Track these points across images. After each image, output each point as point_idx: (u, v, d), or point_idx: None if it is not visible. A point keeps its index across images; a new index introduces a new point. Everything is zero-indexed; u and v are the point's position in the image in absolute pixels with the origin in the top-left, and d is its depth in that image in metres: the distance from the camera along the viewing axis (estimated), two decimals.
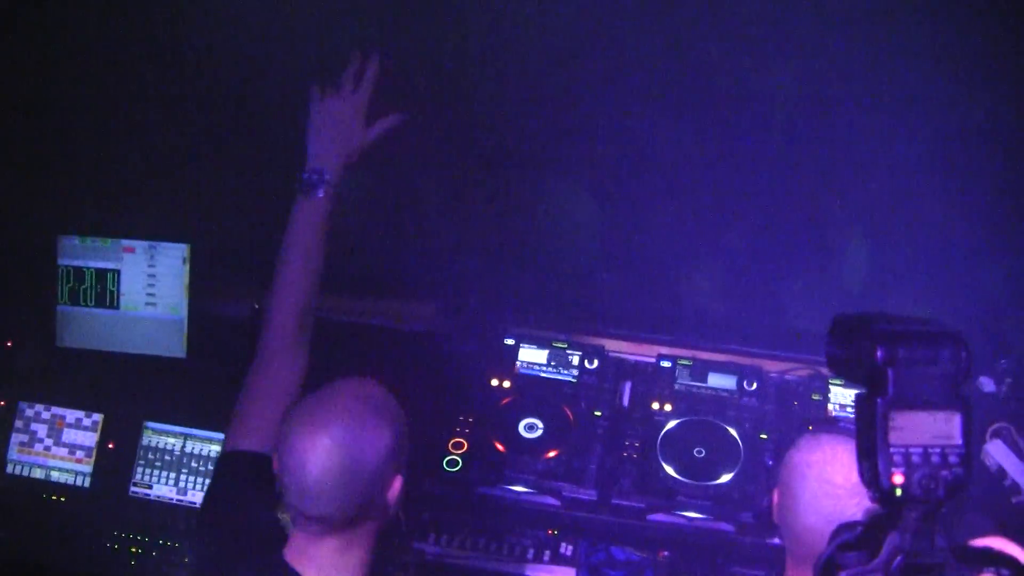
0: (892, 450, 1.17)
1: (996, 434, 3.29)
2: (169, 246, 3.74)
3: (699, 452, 3.35)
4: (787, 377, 3.64)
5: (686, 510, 3.26)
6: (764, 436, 3.42)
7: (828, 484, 2.05)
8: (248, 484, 2.35)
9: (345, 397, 2.13)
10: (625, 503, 3.30)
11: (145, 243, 3.74)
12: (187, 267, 3.72)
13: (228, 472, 2.48)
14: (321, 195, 2.66)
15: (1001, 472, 3.21)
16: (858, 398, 1.22)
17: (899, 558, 1.15)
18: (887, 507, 1.18)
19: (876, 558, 1.16)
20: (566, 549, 3.31)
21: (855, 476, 2.01)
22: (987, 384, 3.43)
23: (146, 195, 4.03)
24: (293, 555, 2.13)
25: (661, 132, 4.09)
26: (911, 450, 1.17)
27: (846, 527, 1.24)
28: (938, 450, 1.17)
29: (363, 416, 2.08)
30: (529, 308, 3.85)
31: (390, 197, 4.21)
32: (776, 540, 3.17)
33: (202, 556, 2.42)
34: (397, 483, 2.15)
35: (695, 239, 4.31)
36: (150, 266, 3.74)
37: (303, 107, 2.91)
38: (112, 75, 3.97)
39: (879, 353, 1.19)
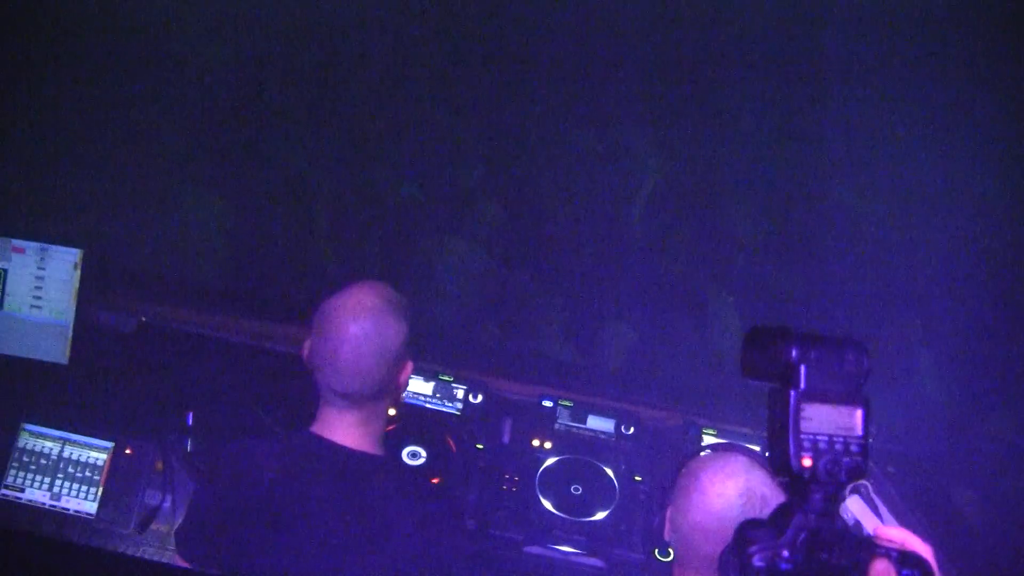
0: (802, 436, 1.28)
1: (855, 490, 3.46)
2: (61, 250, 3.68)
3: (576, 489, 3.44)
4: (663, 425, 3.76)
5: (561, 544, 3.35)
6: (639, 478, 3.53)
7: (719, 486, 2.19)
8: None
9: (369, 295, 2.50)
10: (502, 534, 3.37)
11: (36, 244, 3.68)
12: (77, 273, 3.67)
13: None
14: None
15: (858, 526, 3.37)
16: (771, 392, 1.34)
17: (803, 535, 1.26)
18: (795, 489, 1.29)
19: (783, 535, 1.27)
20: None
21: (742, 482, 2.17)
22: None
23: (42, 196, 3.98)
24: (320, 428, 2.50)
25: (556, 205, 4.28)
26: (818, 438, 1.29)
27: (752, 520, 1.35)
28: (841, 439, 1.30)
29: (384, 309, 2.48)
30: (418, 341, 3.91)
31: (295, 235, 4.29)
32: None
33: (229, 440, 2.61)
34: (408, 366, 2.56)
35: (584, 306, 4.48)
36: (39, 268, 3.68)
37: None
38: (20, 79, 3.95)
39: (794, 351, 1.31)
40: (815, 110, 4.25)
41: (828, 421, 1.31)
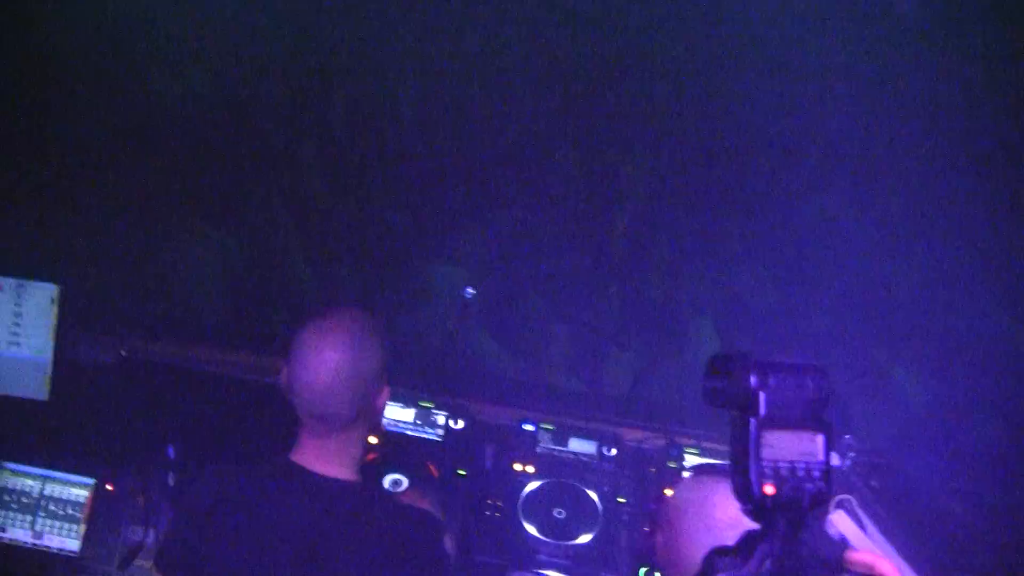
0: (764, 464, 1.29)
1: (839, 505, 3.46)
2: (38, 285, 3.67)
3: (559, 513, 3.45)
4: (644, 445, 3.76)
5: (546, 568, 3.35)
6: (622, 500, 3.54)
7: (708, 519, 2.17)
8: None
9: (344, 320, 2.53)
10: (486, 559, 3.37)
11: (13, 280, 3.67)
12: (55, 308, 3.66)
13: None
14: None
15: (843, 541, 3.37)
16: (732, 419, 1.34)
17: (768, 562, 1.27)
18: (758, 516, 1.30)
19: (748, 562, 1.27)
20: None
21: (732, 511, 2.15)
22: (833, 458, 3.60)
23: (17, 232, 3.97)
24: (299, 456, 2.52)
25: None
26: (780, 464, 1.30)
27: (719, 548, 1.36)
28: (803, 465, 1.31)
29: (360, 334, 2.51)
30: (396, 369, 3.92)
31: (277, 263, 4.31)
32: None
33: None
34: (385, 391, 2.58)
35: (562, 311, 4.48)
36: (16, 305, 3.67)
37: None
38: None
39: (753, 379, 1.32)
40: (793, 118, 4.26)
41: (789, 447, 1.31)
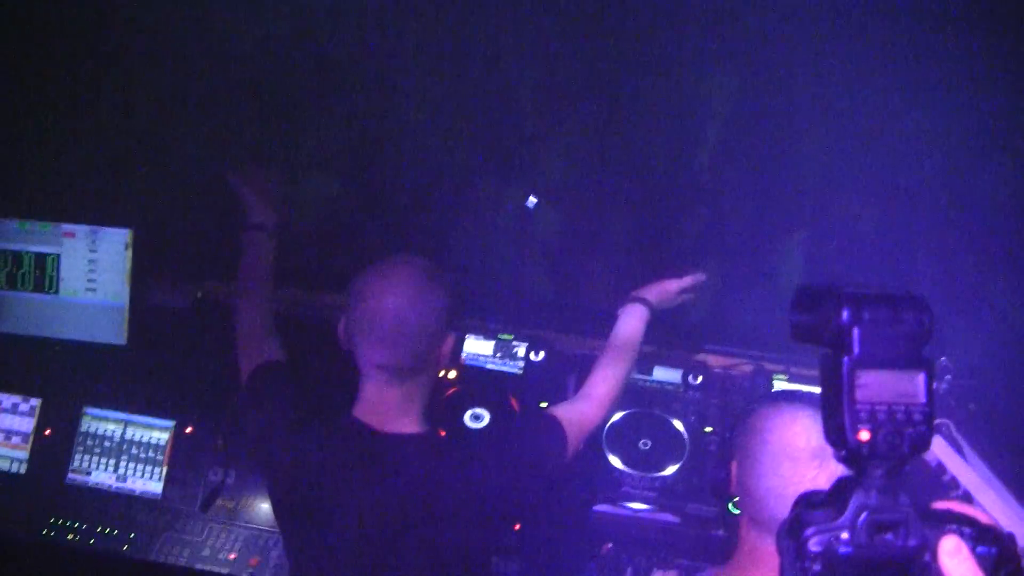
0: (858, 407, 1.17)
1: (936, 429, 3.33)
2: (111, 231, 3.66)
3: (645, 444, 3.36)
4: (731, 372, 3.66)
5: (632, 501, 3.27)
6: (709, 429, 3.44)
7: (788, 447, 2.07)
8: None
9: (406, 267, 2.47)
10: (569, 493, 3.29)
11: (86, 228, 3.66)
12: (129, 253, 3.65)
13: (269, 371, 2.74)
14: (266, 237, 3.03)
15: (940, 468, 3.25)
16: (823, 358, 1.22)
17: (864, 514, 1.15)
18: (852, 464, 1.19)
19: (841, 516, 1.16)
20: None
21: (814, 440, 2.05)
22: None
23: (88, 179, 3.96)
24: (361, 410, 2.46)
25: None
26: (876, 408, 1.17)
27: (811, 494, 1.24)
28: (902, 408, 1.18)
29: (423, 280, 2.44)
30: (475, 301, 3.85)
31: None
32: (720, 532, 3.21)
33: (270, 421, 2.57)
34: (449, 340, 2.52)
35: (639, 237, 4.36)
36: (91, 251, 3.66)
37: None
38: (57, 60, 3.91)
39: (845, 313, 1.20)
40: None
41: (886, 389, 1.18)
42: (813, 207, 4.35)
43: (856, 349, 1.19)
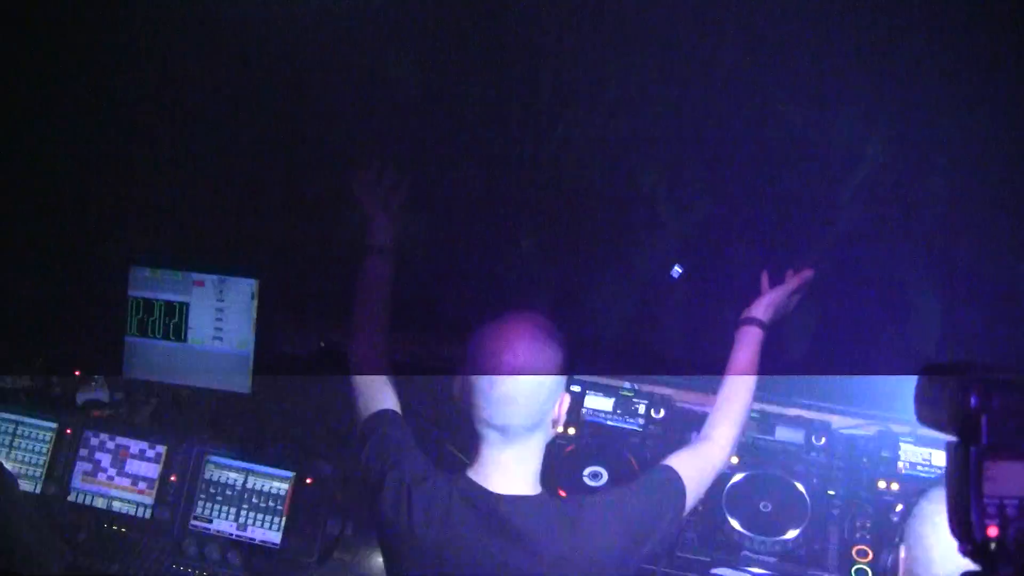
0: (986, 501, 1.12)
1: None
2: (238, 281, 3.74)
3: (765, 506, 3.28)
4: (856, 433, 3.56)
5: (751, 565, 3.19)
6: (832, 492, 3.35)
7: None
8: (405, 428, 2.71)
9: (522, 325, 2.43)
10: (689, 556, 3.24)
11: (214, 277, 3.76)
12: (255, 302, 3.73)
13: (385, 421, 2.73)
14: (387, 255, 3.08)
15: None
16: (950, 447, 1.17)
17: None
18: (980, 562, 1.13)
19: None
20: None
21: None
22: None
23: (217, 229, 4.06)
24: (475, 471, 2.44)
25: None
26: (1006, 502, 1.12)
27: None
28: None
29: (538, 340, 2.40)
30: (594, 354, 3.83)
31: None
32: None
33: (387, 476, 2.55)
34: (565, 399, 2.47)
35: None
36: (219, 300, 3.75)
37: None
38: (190, 111, 4.03)
39: (973, 400, 1.14)
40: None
41: (1017, 481, 1.13)
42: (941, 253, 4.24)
43: (984, 438, 1.13)
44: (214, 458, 3.57)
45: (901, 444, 3.46)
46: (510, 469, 2.43)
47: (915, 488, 3.14)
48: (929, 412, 1.22)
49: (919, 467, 3.41)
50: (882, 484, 3.36)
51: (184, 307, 3.78)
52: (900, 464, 3.42)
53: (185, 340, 3.78)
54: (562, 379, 2.45)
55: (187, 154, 4.09)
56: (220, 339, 3.76)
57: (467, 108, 4.30)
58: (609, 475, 3.39)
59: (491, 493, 2.40)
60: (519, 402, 2.38)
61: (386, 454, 2.59)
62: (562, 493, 3.28)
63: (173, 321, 3.79)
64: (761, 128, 4.16)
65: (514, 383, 2.37)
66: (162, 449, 3.64)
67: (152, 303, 3.80)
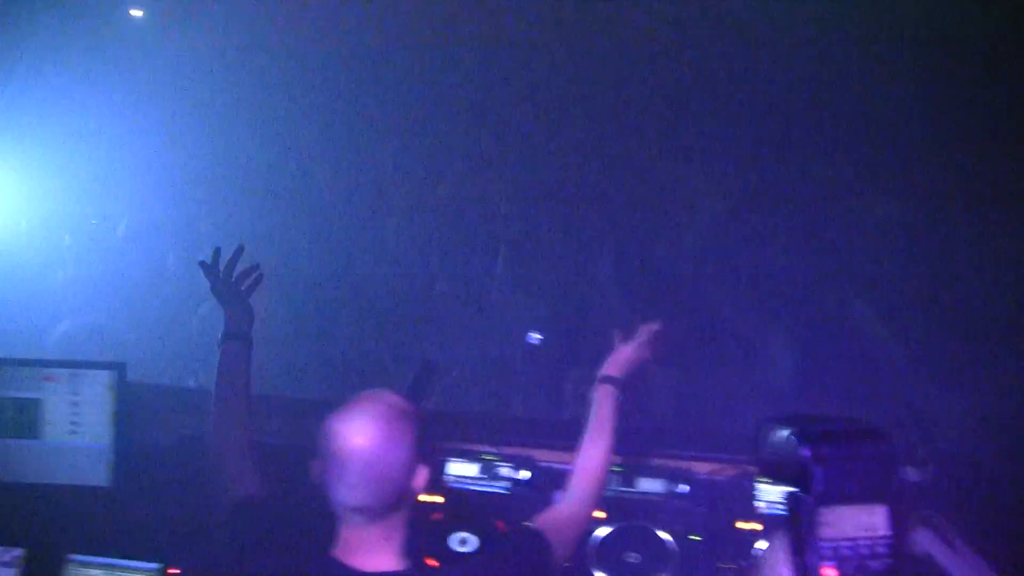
0: (822, 544, 1.20)
1: (923, 523, 3.32)
2: (93, 373, 3.67)
3: (633, 558, 3.35)
4: (715, 478, 3.66)
5: None
6: (696, 537, 3.44)
7: None
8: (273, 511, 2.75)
9: (372, 406, 2.48)
10: None
11: (67, 370, 3.67)
12: (112, 394, 3.65)
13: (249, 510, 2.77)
14: (244, 347, 3.15)
15: (929, 560, 3.24)
16: (788, 497, 1.25)
17: None
18: None
19: None
20: None
21: None
22: (910, 474, 3.48)
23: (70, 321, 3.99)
24: (341, 551, 2.47)
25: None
26: (841, 544, 1.20)
27: None
28: (867, 542, 1.21)
29: (390, 419, 2.45)
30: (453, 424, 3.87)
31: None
32: None
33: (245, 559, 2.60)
34: (423, 472, 2.51)
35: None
36: (73, 394, 3.66)
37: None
38: None
39: (806, 452, 1.23)
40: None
41: (850, 524, 1.21)
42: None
43: (818, 487, 1.22)
44: (75, 557, 3.46)
45: (758, 485, 3.57)
46: (374, 546, 2.46)
47: (775, 525, 3.25)
48: (767, 464, 1.30)
49: (778, 505, 3.53)
50: (742, 524, 3.46)
51: (36, 403, 3.67)
52: (759, 504, 3.53)
53: (39, 437, 3.67)
54: (417, 453, 2.48)
55: None
56: (76, 433, 3.67)
57: None
58: (478, 540, 3.41)
59: (356, 571, 2.43)
60: (372, 484, 2.43)
61: (251, 548, 2.63)
62: (431, 562, 3.29)
63: (25, 418, 3.68)
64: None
65: (367, 466, 2.41)
66: (19, 552, 3.51)
67: (2, 401, 3.69)
